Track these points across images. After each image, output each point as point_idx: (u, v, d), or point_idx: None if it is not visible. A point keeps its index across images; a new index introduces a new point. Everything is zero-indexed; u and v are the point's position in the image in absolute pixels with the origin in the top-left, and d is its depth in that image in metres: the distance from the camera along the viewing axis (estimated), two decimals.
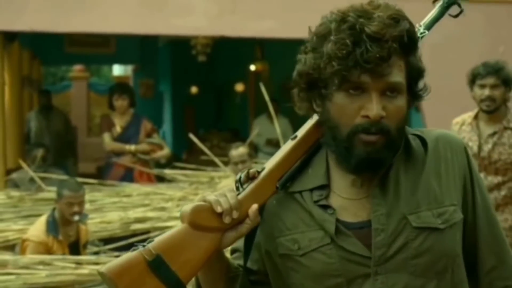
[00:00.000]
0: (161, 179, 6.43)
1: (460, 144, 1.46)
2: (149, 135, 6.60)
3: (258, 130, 8.17)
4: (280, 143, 6.54)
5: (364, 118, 1.32)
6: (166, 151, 6.53)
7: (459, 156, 1.43)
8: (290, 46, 6.76)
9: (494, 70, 3.73)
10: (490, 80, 3.75)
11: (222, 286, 1.41)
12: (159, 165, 6.72)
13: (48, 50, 9.69)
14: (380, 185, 1.37)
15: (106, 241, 4.82)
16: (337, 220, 1.36)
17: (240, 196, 1.34)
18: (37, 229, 4.16)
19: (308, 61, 1.36)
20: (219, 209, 1.30)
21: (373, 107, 1.31)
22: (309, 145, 1.41)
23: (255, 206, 1.34)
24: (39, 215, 5.03)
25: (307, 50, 1.37)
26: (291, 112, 6.15)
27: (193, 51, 7.82)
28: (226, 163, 6.31)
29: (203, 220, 1.29)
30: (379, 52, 1.29)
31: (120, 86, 7.14)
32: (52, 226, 4.13)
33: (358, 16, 1.32)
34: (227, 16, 6.52)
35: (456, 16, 1.52)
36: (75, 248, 4.25)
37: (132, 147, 6.37)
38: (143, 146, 6.43)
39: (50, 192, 5.70)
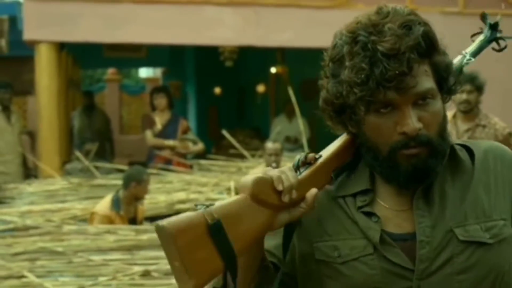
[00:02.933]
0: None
1: (511, 157, 1.37)
2: (185, 132, 7.54)
3: (279, 128, 9.07)
4: (303, 140, 7.48)
5: (401, 135, 1.26)
6: (200, 146, 7.47)
7: (510, 170, 1.35)
8: (308, 51, 8.13)
9: (470, 78, 4.65)
10: (466, 87, 4.68)
11: (254, 274, 1.30)
12: (194, 157, 7.66)
13: (88, 55, 10.59)
14: (424, 196, 1.30)
15: (154, 218, 5.78)
16: (381, 230, 1.29)
17: (299, 177, 1.27)
18: (103, 205, 5.13)
19: (330, 89, 1.30)
20: (280, 187, 1.23)
21: (408, 122, 1.24)
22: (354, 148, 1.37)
23: (314, 190, 1.27)
24: (94, 197, 6.06)
25: (326, 75, 1.33)
26: (308, 112, 7.21)
27: (221, 57, 8.78)
28: (252, 156, 7.29)
29: (263, 194, 1.22)
30: (398, 67, 1.22)
31: (159, 88, 8.11)
32: (116, 204, 5.09)
33: (369, 33, 1.25)
34: (252, 28, 7.49)
35: (500, 50, 1.45)
36: (133, 223, 5.20)
37: (171, 143, 7.33)
38: (181, 142, 7.39)
39: (102, 179, 6.75)
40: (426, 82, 1.26)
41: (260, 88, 12.81)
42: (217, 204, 1.21)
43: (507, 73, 7.82)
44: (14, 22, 8.91)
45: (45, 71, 7.31)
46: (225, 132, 7.32)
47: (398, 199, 1.31)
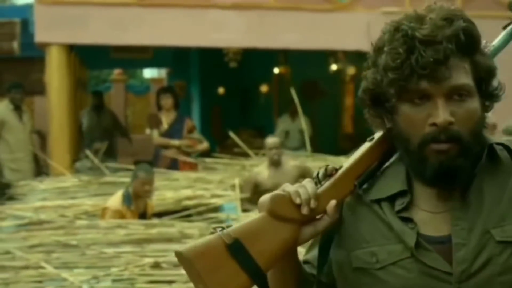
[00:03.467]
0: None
1: None
2: (190, 131, 7.77)
3: (282, 127, 9.30)
4: (305, 137, 7.73)
5: (432, 126, 1.24)
6: (205, 145, 7.71)
7: None
8: (309, 52, 8.41)
9: None
10: None
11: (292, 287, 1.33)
12: (198, 156, 7.90)
13: (95, 56, 10.84)
14: (461, 197, 1.28)
15: (162, 214, 6.01)
16: (418, 234, 1.27)
17: (319, 190, 1.28)
18: (114, 201, 5.37)
19: (369, 77, 1.31)
20: (297, 200, 1.25)
21: (439, 114, 1.23)
22: (385, 147, 1.35)
23: (333, 202, 1.28)
24: (104, 194, 6.29)
25: (368, 66, 1.33)
26: (309, 111, 7.48)
27: (225, 58, 9.03)
28: (256, 154, 7.52)
29: (282, 210, 1.25)
30: (434, 55, 1.22)
31: (166, 89, 8.34)
32: (127, 199, 5.32)
33: (411, 22, 1.26)
34: (256, 31, 7.73)
35: None
36: (143, 217, 5.44)
37: (177, 142, 7.56)
38: (186, 141, 7.62)
39: (111, 177, 6.98)
40: (463, 77, 1.25)
41: (263, 88, 13.04)
42: (235, 225, 1.24)
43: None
44: (26, 25, 9.17)
45: (56, 73, 7.56)
46: (230, 132, 7.55)
47: (436, 202, 1.29)
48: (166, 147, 7.59)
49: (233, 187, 6.41)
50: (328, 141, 10.60)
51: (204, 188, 6.42)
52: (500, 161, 1.32)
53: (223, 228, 1.23)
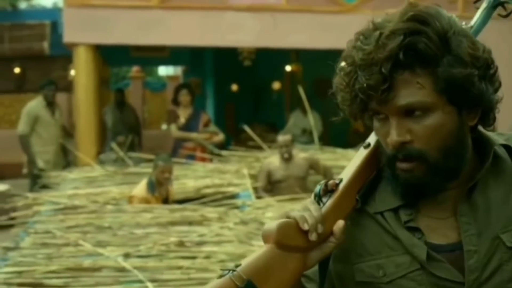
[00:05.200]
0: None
1: None
2: (206, 125, 8.29)
3: (294, 122, 9.75)
4: (314, 134, 8.21)
5: (390, 145, 1.20)
6: (221, 137, 8.23)
7: None
8: (320, 51, 9.04)
9: None
10: None
11: None
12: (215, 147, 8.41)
13: (116, 54, 11.35)
14: (467, 201, 1.23)
15: (183, 201, 6.53)
16: (426, 243, 1.21)
17: (323, 211, 1.21)
18: (140, 189, 5.90)
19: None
20: (305, 227, 1.17)
21: (392, 133, 1.19)
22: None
23: (341, 223, 1.21)
24: (128, 183, 6.82)
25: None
26: (321, 107, 8.07)
27: (240, 57, 9.52)
28: (268, 148, 8.03)
29: (290, 239, 1.17)
30: (368, 80, 1.17)
31: (184, 85, 8.87)
32: (151, 187, 5.86)
33: (363, 38, 1.20)
34: (269, 31, 8.25)
35: (507, 16, 1.36)
36: (165, 203, 5.97)
37: (194, 135, 8.09)
38: (203, 134, 8.15)
39: (134, 168, 7.52)
40: (414, 94, 1.17)
41: (276, 85, 13.43)
42: (244, 263, 1.16)
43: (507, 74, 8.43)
44: (55, 27, 9.73)
45: (83, 71, 8.13)
46: (245, 127, 8.06)
47: (440, 207, 1.24)
48: (185, 140, 8.12)
49: (247, 176, 6.92)
50: (338, 136, 11.03)
51: (221, 178, 6.94)
52: (502, 162, 1.27)
53: (233, 270, 1.14)
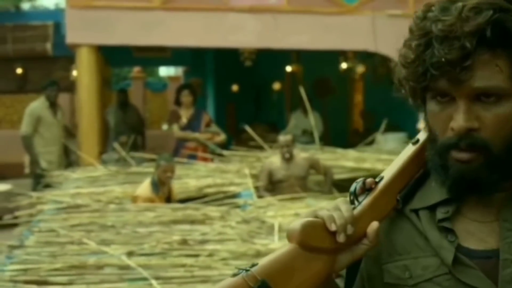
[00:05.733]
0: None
1: None
2: (208, 125, 8.37)
3: (294, 122, 9.83)
4: (315, 134, 8.28)
5: (452, 130, 1.09)
6: (222, 137, 8.30)
7: None
8: (320, 52, 9.13)
9: None
10: None
11: None
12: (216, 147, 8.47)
13: (118, 55, 11.41)
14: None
15: (185, 200, 6.60)
16: (459, 247, 1.11)
17: (356, 211, 1.12)
18: (144, 189, 5.96)
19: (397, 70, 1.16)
20: (333, 227, 1.08)
21: (459, 118, 1.07)
22: None
23: (375, 224, 1.11)
24: (131, 183, 6.89)
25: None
26: (321, 107, 8.17)
27: (241, 57, 9.60)
28: (269, 148, 8.09)
29: (315, 240, 1.08)
30: (447, 54, 1.05)
31: (187, 86, 8.93)
32: (154, 186, 5.92)
33: (440, 9, 1.09)
34: (270, 32, 8.31)
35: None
36: (168, 202, 6.04)
37: (196, 135, 8.16)
38: (205, 134, 8.22)
39: (136, 168, 7.59)
40: (491, 77, 1.06)
41: (276, 85, 13.52)
42: (261, 262, 1.07)
43: None
44: (58, 28, 9.80)
45: (86, 72, 8.20)
46: (246, 126, 8.14)
47: (483, 209, 1.13)
48: (187, 140, 8.19)
49: (248, 176, 6.99)
50: (338, 136, 11.11)
51: (223, 178, 7.01)
52: None
53: (247, 270, 1.06)
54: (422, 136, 1.19)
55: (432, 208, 1.16)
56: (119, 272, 4.49)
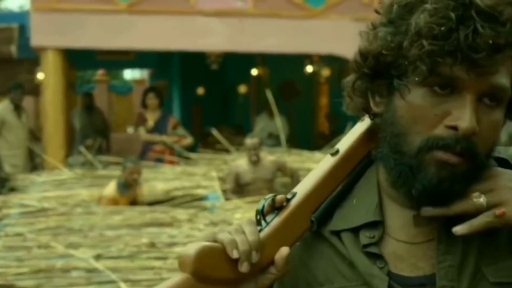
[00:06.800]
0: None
1: None
2: (175, 128, 8.37)
3: (261, 125, 9.89)
4: (281, 135, 8.35)
5: (449, 129, 0.91)
6: (189, 140, 8.31)
7: None
8: (287, 55, 9.24)
9: None
10: None
11: None
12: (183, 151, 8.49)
13: (82, 58, 11.35)
14: (448, 224, 0.95)
15: (152, 203, 6.60)
16: (391, 274, 0.96)
17: (262, 234, 0.94)
18: (109, 189, 5.97)
19: (382, 37, 0.93)
20: (235, 254, 0.90)
21: (467, 116, 0.89)
22: (355, 163, 1.02)
23: (285, 250, 0.94)
24: (97, 186, 6.87)
25: (380, 23, 0.95)
26: (287, 110, 8.25)
27: (208, 61, 9.63)
28: (236, 150, 8.14)
29: (212, 269, 0.90)
30: (494, 37, 0.87)
31: (152, 89, 8.93)
32: (120, 187, 5.93)
33: None
34: (237, 36, 8.36)
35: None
36: (133, 204, 6.04)
37: (163, 138, 8.16)
38: (171, 137, 8.22)
39: (103, 171, 7.56)
40: (504, 77, 0.92)
41: (242, 89, 13.59)
42: None
43: None
44: (23, 30, 9.71)
45: (51, 75, 8.16)
46: (213, 129, 8.17)
47: (413, 228, 0.98)
48: (153, 143, 8.18)
49: (216, 179, 7.02)
50: (304, 138, 11.20)
51: (190, 180, 7.03)
52: None
53: None
54: (342, 145, 1.03)
55: (355, 230, 0.99)
56: (87, 275, 4.49)
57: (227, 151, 8.19)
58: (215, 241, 0.92)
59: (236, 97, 13.95)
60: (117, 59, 12.81)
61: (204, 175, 7.24)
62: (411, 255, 0.98)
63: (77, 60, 11.17)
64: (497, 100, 0.93)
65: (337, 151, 1.02)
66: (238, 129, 12.32)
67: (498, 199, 0.94)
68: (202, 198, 6.55)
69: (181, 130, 8.46)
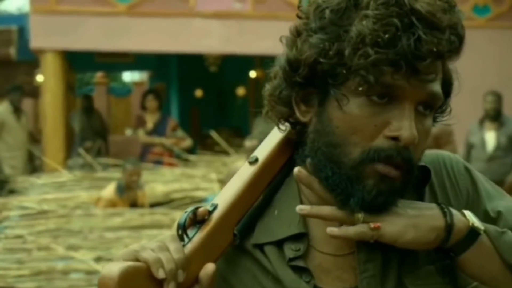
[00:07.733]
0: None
1: (461, 165, 1.02)
2: (174, 130, 8.39)
3: (259, 127, 9.90)
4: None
5: (390, 140, 0.88)
6: (188, 142, 8.33)
7: (462, 181, 1.00)
8: None
9: None
10: None
11: None
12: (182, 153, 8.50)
13: (81, 60, 11.37)
14: None
15: (152, 205, 6.61)
16: None
17: (186, 250, 0.90)
18: (108, 191, 5.98)
19: (316, 44, 0.89)
20: (161, 274, 0.85)
21: (407, 126, 0.87)
22: (275, 172, 0.99)
23: (210, 267, 0.90)
24: (97, 188, 6.88)
25: (308, 28, 0.91)
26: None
27: (206, 63, 9.65)
28: (235, 152, 8.15)
29: None
30: (436, 45, 0.86)
31: (151, 91, 8.95)
32: (119, 190, 5.94)
33: None
34: (236, 38, 8.38)
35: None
36: (132, 207, 6.05)
37: (162, 140, 8.18)
38: (170, 139, 8.23)
39: (102, 173, 7.58)
40: (439, 85, 0.92)
41: (240, 91, 13.61)
42: None
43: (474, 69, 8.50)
44: (22, 32, 9.73)
45: (51, 77, 8.17)
46: (211, 131, 8.18)
47: (339, 240, 0.94)
48: (152, 145, 8.20)
49: (215, 181, 7.04)
50: None
51: (189, 182, 7.05)
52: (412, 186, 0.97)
53: None
54: (261, 153, 0.98)
55: (279, 243, 0.96)
56: (87, 278, 4.51)
57: (226, 153, 8.21)
58: (137, 260, 0.86)
59: (234, 99, 13.96)
60: (116, 61, 12.82)
61: (203, 177, 7.26)
62: (336, 267, 0.96)
63: (76, 62, 11.19)
64: (430, 108, 0.92)
65: (256, 159, 0.98)
66: (237, 131, 12.34)
67: (377, 218, 0.92)
68: (202, 200, 6.56)
69: (180, 132, 8.47)
